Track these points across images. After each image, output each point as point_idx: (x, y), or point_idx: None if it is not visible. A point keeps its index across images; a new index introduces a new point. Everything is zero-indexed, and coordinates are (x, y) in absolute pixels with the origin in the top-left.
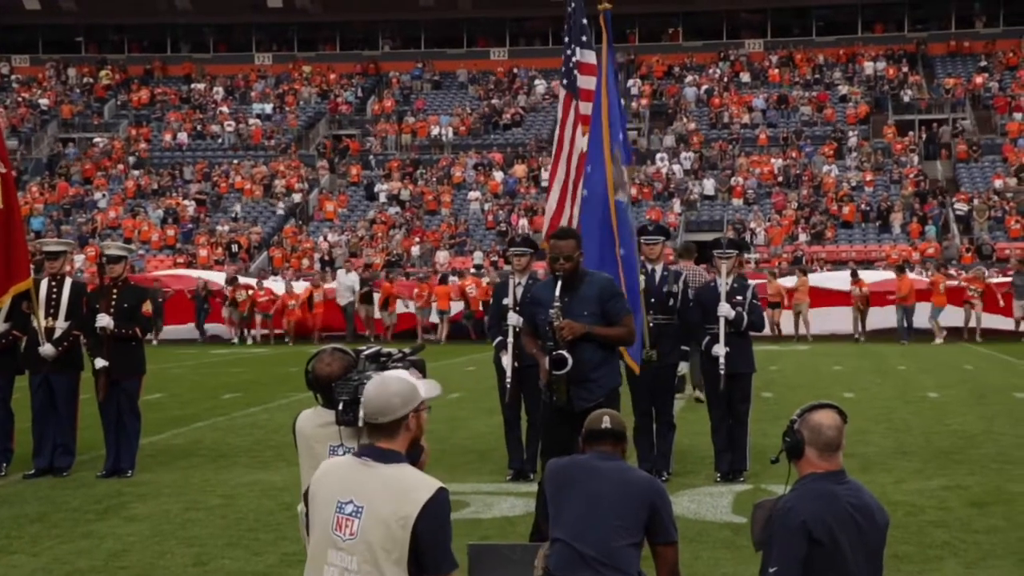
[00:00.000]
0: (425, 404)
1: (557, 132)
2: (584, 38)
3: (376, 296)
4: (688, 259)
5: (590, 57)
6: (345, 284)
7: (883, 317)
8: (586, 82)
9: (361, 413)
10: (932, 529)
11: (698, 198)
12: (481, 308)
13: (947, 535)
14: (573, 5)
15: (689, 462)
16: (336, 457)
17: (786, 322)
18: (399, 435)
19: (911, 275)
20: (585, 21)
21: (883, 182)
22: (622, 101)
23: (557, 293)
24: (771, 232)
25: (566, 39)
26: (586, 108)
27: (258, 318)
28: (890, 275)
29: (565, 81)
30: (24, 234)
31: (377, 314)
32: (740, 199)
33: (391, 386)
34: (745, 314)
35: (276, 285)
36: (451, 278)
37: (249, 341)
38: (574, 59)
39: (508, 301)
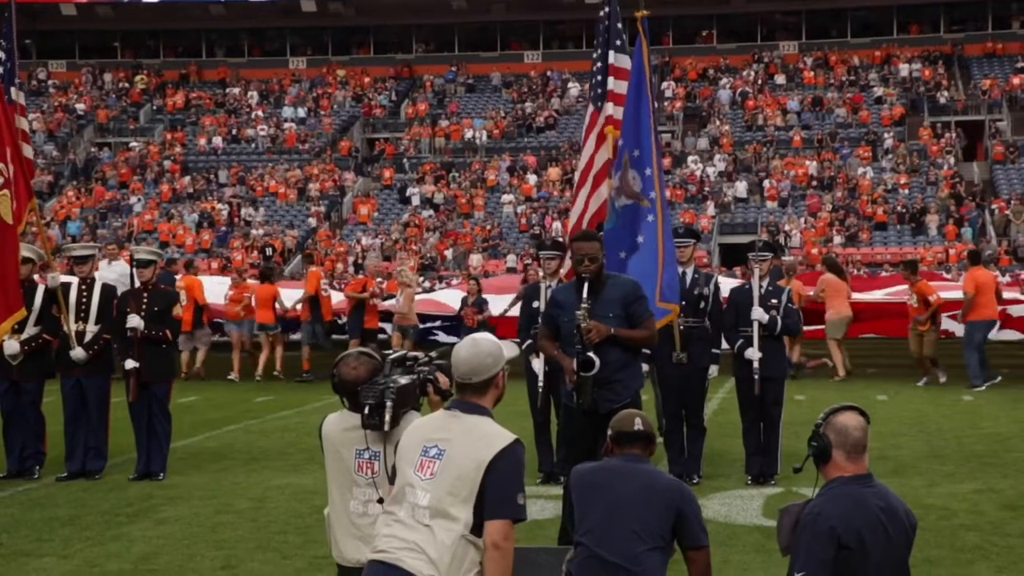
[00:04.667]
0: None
1: (583, 139)
2: (619, 42)
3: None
4: None
5: (624, 62)
6: (110, 280)
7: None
8: (619, 86)
9: (453, 372)
10: (964, 533)
11: (731, 201)
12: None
13: (979, 539)
14: (607, 9)
15: (720, 465)
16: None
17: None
18: (488, 393)
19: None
20: (620, 25)
21: (919, 184)
22: (655, 105)
23: (584, 295)
24: (805, 235)
25: (597, 41)
26: (619, 112)
27: None
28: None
29: (600, 90)
30: (17, 259)
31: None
32: (774, 202)
33: (483, 347)
34: (779, 318)
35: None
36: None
37: None
38: (606, 62)
39: (539, 305)
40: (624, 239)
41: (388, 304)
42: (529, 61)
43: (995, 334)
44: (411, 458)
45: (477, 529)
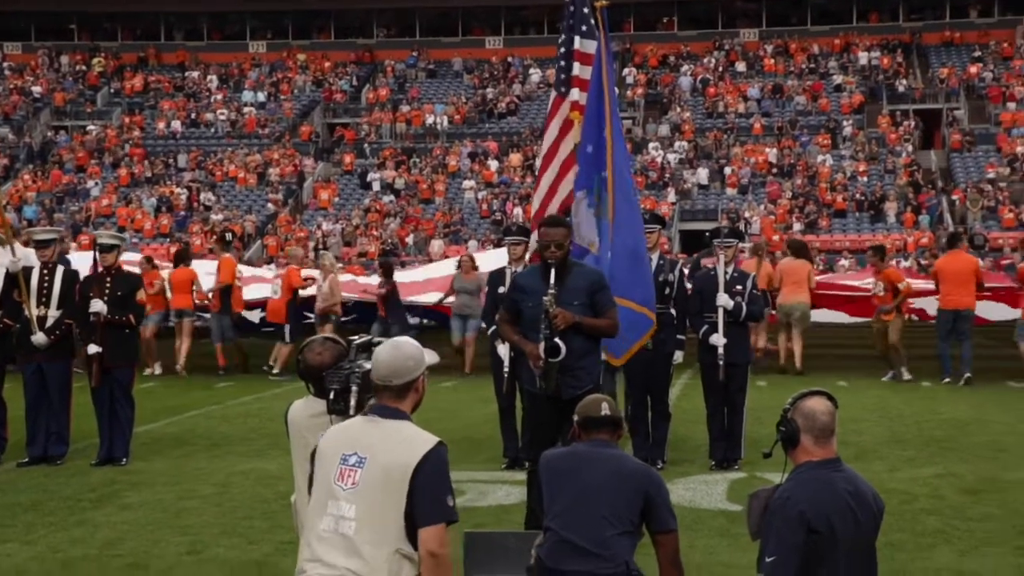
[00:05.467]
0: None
1: (545, 124)
2: (584, 28)
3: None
4: None
5: (591, 47)
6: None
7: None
8: (585, 72)
9: (373, 375)
10: (925, 517)
11: (692, 187)
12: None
13: (940, 523)
14: None
15: (684, 450)
16: (345, 421)
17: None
18: (408, 397)
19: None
20: (586, 10)
21: (877, 172)
22: (616, 91)
23: (552, 281)
24: (765, 222)
25: (566, 23)
26: (584, 98)
27: None
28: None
29: (563, 76)
30: None
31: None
32: (734, 188)
33: (405, 349)
34: (744, 304)
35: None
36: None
37: None
38: (571, 48)
39: (504, 290)
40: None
41: (311, 291)
42: (491, 47)
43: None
44: (330, 467)
45: (410, 536)
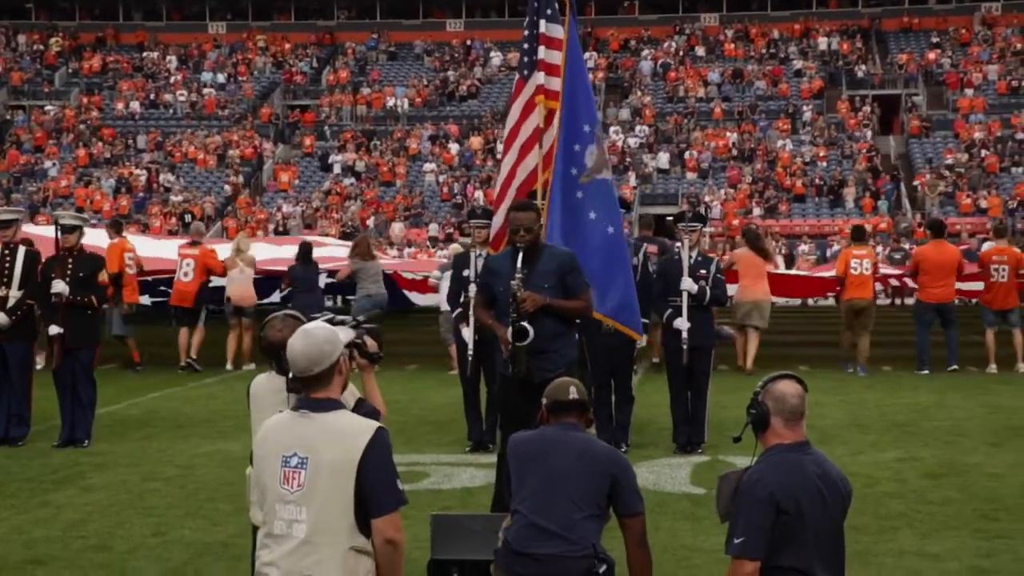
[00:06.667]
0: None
1: (507, 107)
2: (549, 11)
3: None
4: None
5: (556, 31)
6: None
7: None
8: (550, 55)
9: (292, 370)
10: (888, 500)
11: (653, 172)
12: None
13: (902, 506)
14: None
15: (648, 434)
16: (275, 416)
17: None
18: (334, 381)
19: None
20: None
21: (836, 157)
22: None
23: (519, 265)
24: (726, 206)
25: (531, 6)
26: (550, 82)
27: None
28: None
29: (527, 59)
30: None
31: None
32: (695, 173)
33: (318, 334)
34: (708, 288)
35: None
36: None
37: None
38: (536, 31)
39: (469, 273)
40: (610, 212)
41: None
42: (451, 29)
43: None
44: (272, 471)
45: (360, 527)
